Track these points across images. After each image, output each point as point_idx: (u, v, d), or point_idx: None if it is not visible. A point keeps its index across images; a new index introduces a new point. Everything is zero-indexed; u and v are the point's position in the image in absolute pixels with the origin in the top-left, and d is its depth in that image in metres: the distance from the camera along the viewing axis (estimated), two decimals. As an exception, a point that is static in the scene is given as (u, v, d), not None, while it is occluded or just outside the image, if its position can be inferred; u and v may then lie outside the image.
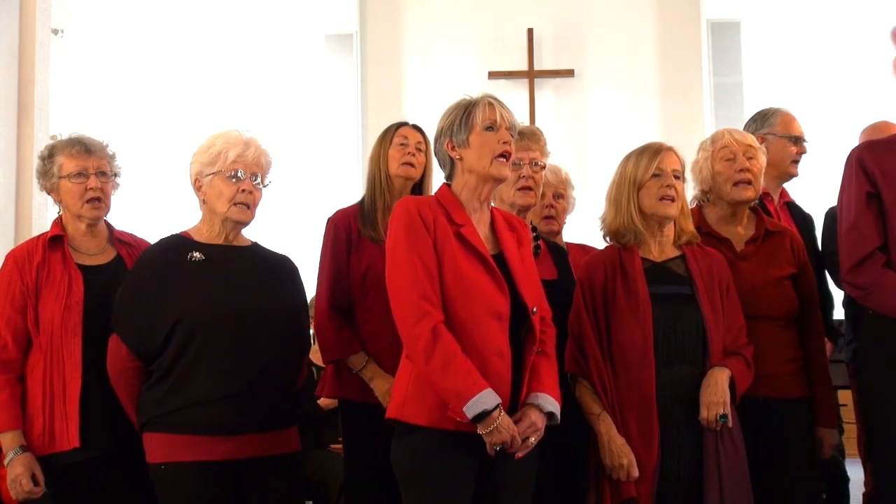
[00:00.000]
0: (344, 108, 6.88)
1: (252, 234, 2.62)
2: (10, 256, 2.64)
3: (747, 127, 3.42)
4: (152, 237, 2.65)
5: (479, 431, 2.09)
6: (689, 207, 2.70)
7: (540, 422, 2.18)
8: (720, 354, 2.48)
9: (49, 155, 2.70)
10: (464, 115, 2.30)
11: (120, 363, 2.41)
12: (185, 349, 2.35)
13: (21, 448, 2.51)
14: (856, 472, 3.48)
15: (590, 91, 6.86)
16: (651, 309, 2.47)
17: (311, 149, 6.76)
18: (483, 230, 2.31)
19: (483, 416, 2.07)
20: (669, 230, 2.61)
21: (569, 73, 6.82)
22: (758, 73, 6.76)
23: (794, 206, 3.41)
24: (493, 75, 6.71)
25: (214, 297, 2.39)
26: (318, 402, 3.99)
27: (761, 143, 2.97)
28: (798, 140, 3.34)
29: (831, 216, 3.08)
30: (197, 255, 2.44)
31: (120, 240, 2.77)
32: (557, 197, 3.04)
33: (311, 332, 2.99)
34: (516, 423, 2.14)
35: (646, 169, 2.55)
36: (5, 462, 2.53)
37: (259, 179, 2.51)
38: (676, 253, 2.61)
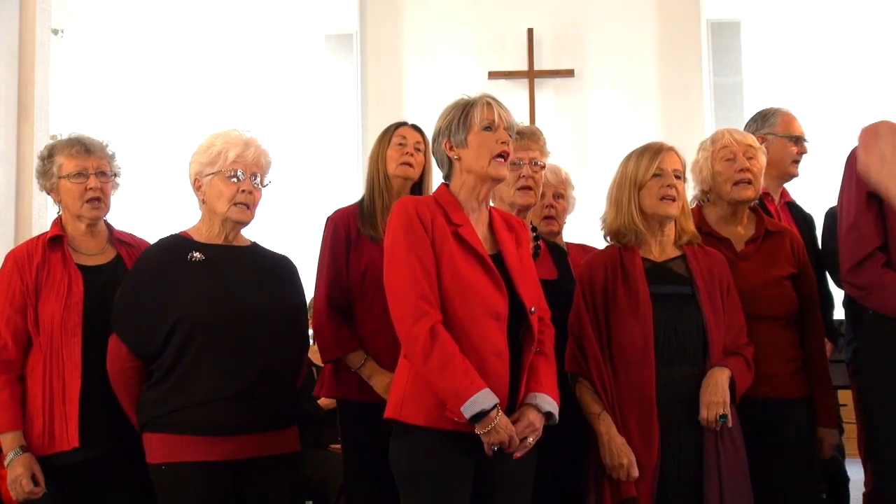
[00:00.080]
0: (344, 108, 6.88)
1: (252, 233, 2.62)
2: (10, 256, 2.64)
3: (748, 127, 3.42)
4: (152, 237, 2.65)
5: (477, 431, 2.09)
6: (690, 207, 2.70)
7: (538, 422, 2.18)
8: (720, 354, 2.48)
9: (49, 155, 2.70)
10: (462, 115, 2.30)
11: (120, 363, 2.41)
12: (186, 349, 2.35)
13: (21, 448, 2.51)
14: (856, 472, 3.48)
15: (590, 91, 6.86)
16: (651, 309, 2.47)
17: (311, 149, 6.76)
18: (481, 230, 2.31)
19: (481, 416, 2.07)
20: (670, 230, 2.61)
21: (569, 73, 6.82)
22: (758, 73, 6.76)
23: (794, 206, 3.41)
24: (493, 75, 6.71)
25: (214, 298, 2.38)
26: (318, 402, 3.99)
27: (762, 143, 2.97)
28: (798, 140, 3.34)
29: (831, 216, 3.08)
30: (197, 255, 2.44)
31: (120, 240, 2.77)
32: (557, 197, 3.04)
33: (310, 331, 2.99)
34: (514, 423, 2.14)
35: (646, 169, 2.55)
36: (5, 462, 2.53)
37: (259, 179, 2.51)
38: (677, 253, 2.61)
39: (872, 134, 1.39)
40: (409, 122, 3.05)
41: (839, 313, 3.41)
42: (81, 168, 2.66)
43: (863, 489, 3.43)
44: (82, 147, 2.68)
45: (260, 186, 2.52)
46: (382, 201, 2.90)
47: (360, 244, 2.88)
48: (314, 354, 3.16)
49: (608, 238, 2.66)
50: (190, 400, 2.33)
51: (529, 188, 2.74)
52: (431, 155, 2.62)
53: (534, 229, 2.82)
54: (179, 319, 2.34)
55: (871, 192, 2.51)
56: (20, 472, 2.48)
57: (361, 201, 2.98)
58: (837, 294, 3.27)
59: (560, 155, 3.19)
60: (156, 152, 6.02)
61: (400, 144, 2.95)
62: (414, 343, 2.13)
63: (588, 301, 2.54)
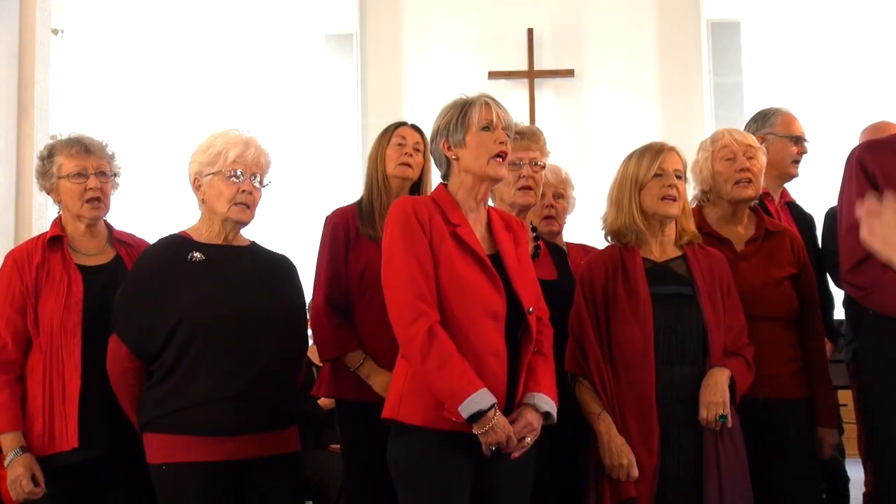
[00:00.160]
0: (344, 108, 6.88)
1: (252, 233, 2.62)
2: (10, 257, 2.64)
3: (748, 127, 3.42)
4: (152, 237, 2.65)
5: (475, 431, 2.09)
6: (690, 207, 2.70)
7: (536, 422, 2.18)
8: (721, 355, 2.48)
9: (48, 155, 2.70)
10: (460, 115, 2.29)
11: (120, 363, 2.41)
12: (186, 350, 2.34)
13: (21, 449, 2.51)
14: (856, 472, 3.48)
15: (590, 91, 6.86)
16: (652, 309, 2.47)
17: (311, 149, 6.76)
18: (479, 230, 2.31)
19: (478, 416, 2.07)
20: (671, 230, 2.61)
21: (569, 73, 6.82)
22: (758, 73, 6.76)
23: (794, 206, 3.41)
24: (493, 75, 6.71)
25: (214, 298, 2.38)
26: (318, 401, 3.99)
27: (762, 143, 2.97)
28: (799, 140, 3.34)
29: (831, 216, 3.08)
30: (197, 255, 2.44)
31: (119, 240, 2.77)
32: (557, 197, 3.04)
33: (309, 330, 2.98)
34: (512, 423, 2.14)
35: (647, 169, 2.55)
36: (5, 463, 2.53)
37: (259, 179, 2.50)
38: (678, 253, 2.61)
39: (873, 213, 1.39)
40: (409, 122, 3.06)
41: (839, 313, 3.41)
42: (81, 168, 2.66)
43: (863, 489, 3.43)
44: (82, 147, 2.68)
45: (260, 186, 2.51)
46: (381, 201, 2.90)
47: (358, 243, 2.88)
48: (313, 354, 3.16)
49: (609, 238, 2.66)
50: (190, 400, 2.33)
51: (530, 188, 2.74)
52: (430, 155, 2.61)
53: (534, 229, 2.82)
54: (180, 320, 2.34)
55: (871, 192, 2.52)
56: (20, 473, 2.48)
57: (360, 201, 2.98)
58: (837, 294, 3.27)
59: (560, 155, 3.19)
60: (156, 152, 6.01)
61: (399, 145, 2.95)
62: (411, 343, 2.13)
63: (588, 301, 2.54)
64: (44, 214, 4.95)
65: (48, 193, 2.74)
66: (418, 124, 3.02)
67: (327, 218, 2.97)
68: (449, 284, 2.18)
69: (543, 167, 2.80)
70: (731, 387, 2.44)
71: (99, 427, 2.52)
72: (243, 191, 2.45)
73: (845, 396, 3.47)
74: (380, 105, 6.73)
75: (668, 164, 2.55)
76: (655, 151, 2.58)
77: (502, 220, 2.38)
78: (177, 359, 2.35)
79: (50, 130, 5.14)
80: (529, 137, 2.74)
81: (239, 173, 2.45)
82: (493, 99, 2.33)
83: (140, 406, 2.41)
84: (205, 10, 6.69)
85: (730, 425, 2.43)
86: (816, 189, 3.97)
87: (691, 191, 2.81)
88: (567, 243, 3.10)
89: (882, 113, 3.93)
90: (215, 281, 2.41)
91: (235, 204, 2.45)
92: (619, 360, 2.48)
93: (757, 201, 2.88)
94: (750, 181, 2.76)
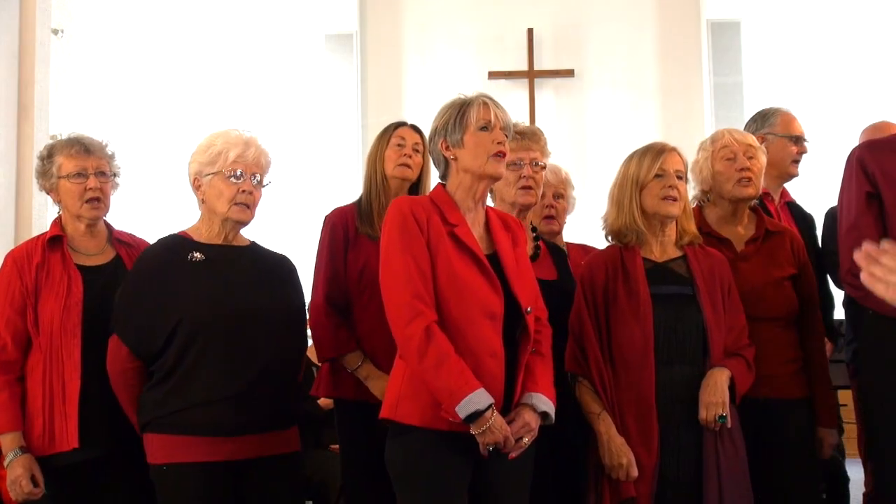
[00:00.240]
0: (344, 108, 6.88)
1: (252, 233, 2.62)
2: (10, 257, 2.64)
3: (748, 127, 3.42)
4: (152, 237, 2.65)
5: (472, 432, 2.08)
6: (691, 208, 2.70)
7: (534, 422, 2.18)
8: (721, 355, 2.48)
9: (48, 155, 2.70)
10: (458, 115, 2.29)
11: (120, 363, 2.41)
12: (187, 350, 2.34)
13: (21, 449, 2.51)
14: (856, 472, 3.48)
15: (590, 91, 6.86)
16: (652, 309, 2.47)
17: (311, 149, 6.76)
18: (477, 230, 2.31)
19: (475, 416, 2.06)
20: (671, 230, 2.61)
21: (569, 73, 6.82)
22: (758, 73, 6.76)
23: (794, 205, 3.41)
24: (493, 75, 6.71)
25: (215, 298, 2.38)
26: (318, 401, 3.99)
27: (762, 143, 2.97)
28: (798, 140, 3.34)
29: (831, 216, 3.08)
30: (197, 255, 2.44)
31: (119, 240, 2.77)
32: (557, 197, 3.04)
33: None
34: (510, 423, 2.13)
35: (648, 169, 2.55)
36: (5, 463, 2.52)
37: (259, 179, 2.50)
38: (678, 253, 2.61)
39: (873, 258, 1.40)
40: (409, 123, 3.05)
41: (839, 313, 3.41)
42: (81, 168, 2.65)
43: (863, 489, 3.43)
44: (82, 147, 2.68)
45: (260, 186, 2.51)
46: (380, 201, 2.90)
47: (357, 243, 2.88)
48: (311, 353, 3.16)
49: (609, 238, 2.66)
50: (190, 400, 2.33)
51: (530, 188, 2.74)
52: (429, 155, 2.61)
53: (534, 229, 2.82)
54: (180, 320, 2.34)
55: (872, 192, 2.52)
56: (20, 473, 2.48)
57: (359, 200, 2.99)
58: (837, 294, 3.27)
59: (560, 155, 3.19)
60: (156, 152, 6.01)
61: (399, 145, 2.95)
62: (409, 343, 2.13)
63: (589, 301, 2.54)
64: (44, 214, 4.95)
65: (48, 193, 2.74)
66: (418, 124, 3.02)
67: (326, 217, 2.97)
68: (446, 284, 2.18)
69: (544, 167, 2.80)
70: (732, 387, 2.44)
71: (99, 427, 2.52)
72: (243, 191, 2.45)
73: (845, 396, 3.47)
74: (380, 105, 6.73)
75: (669, 164, 2.55)
76: (657, 152, 2.58)
77: (500, 220, 2.38)
78: (177, 359, 2.35)
79: (50, 130, 5.13)
80: (530, 137, 2.74)
81: (239, 173, 2.45)
82: (491, 99, 2.33)
83: (140, 406, 2.41)
84: (205, 10, 6.69)
85: (729, 425, 2.43)
86: (816, 189, 3.97)
87: (691, 191, 2.81)
88: (567, 243, 3.10)
89: (882, 113, 3.93)
90: (215, 281, 2.41)
91: (235, 204, 2.45)
92: (619, 360, 2.48)
93: (757, 201, 2.88)
94: (750, 180, 2.77)
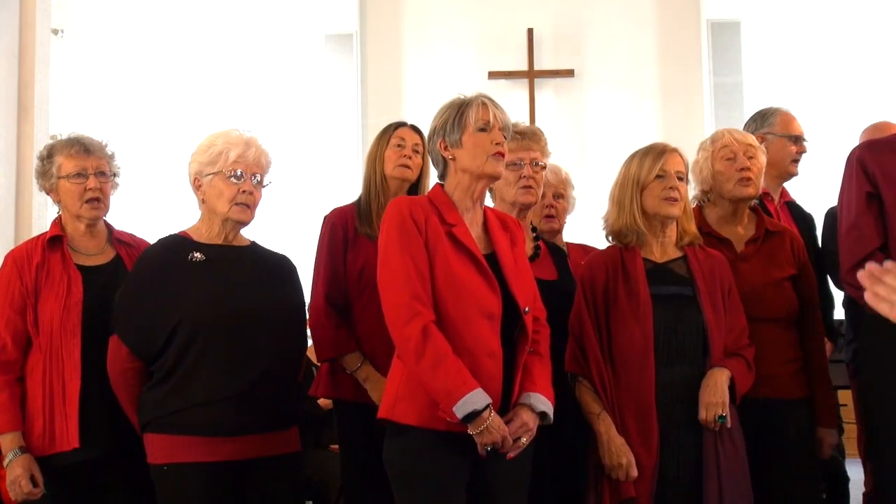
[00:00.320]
0: (344, 108, 6.87)
1: (252, 233, 2.62)
2: (10, 257, 2.64)
3: (747, 126, 3.42)
4: (152, 237, 2.65)
5: (470, 432, 2.08)
6: (691, 208, 2.70)
7: (532, 422, 2.18)
8: (721, 355, 2.48)
9: (48, 155, 2.70)
10: (457, 115, 2.29)
11: (120, 364, 2.41)
12: (187, 350, 2.34)
13: (20, 449, 2.51)
14: (856, 472, 3.49)
15: (590, 91, 6.85)
16: (652, 309, 2.47)
17: (311, 149, 6.75)
18: (475, 230, 2.31)
19: (473, 416, 2.06)
20: (672, 231, 2.61)
21: (569, 73, 6.81)
22: (758, 73, 6.75)
23: (794, 205, 3.41)
24: (493, 75, 6.71)
25: (215, 298, 2.38)
26: (318, 402, 3.99)
27: (761, 143, 2.97)
28: (798, 139, 3.34)
29: (831, 216, 3.08)
30: (197, 255, 2.44)
31: (119, 240, 2.77)
32: (557, 197, 3.04)
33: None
34: (507, 423, 2.13)
35: (649, 170, 2.55)
36: (4, 463, 2.53)
37: (259, 179, 2.50)
38: (678, 254, 2.61)
39: (876, 277, 1.40)
40: (408, 123, 3.05)
41: (839, 313, 3.41)
42: (81, 168, 2.65)
43: (863, 489, 3.43)
44: (81, 147, 2.67)
45: (260, 186, 2.51)
46: (379, 202, 2.90)
47: (357, 243, 2.88)
48: (311, 353, 3.16)
49: (610, 238, 2.66)
50: (191, 400, 2.33)
51: (530, 188, 2.74)
52: (428, 155, 2.61)
53: (534, 229, 2.82)
54: (180, 320, 2.34)
55: (872, 192, 2.52)
56: (19, 473, 2.48)
57: (359, 201, 2.99)
58: (837, 294, 3.27)
59: (560, 155, 3.19)
60: (156, 152, 6.01)
61: (398, 146, 2.95)
62: (406, 343, 2.13)
63: (589, 301, 2.54)
64: (44, 214, 4.96)
65: (48, 193, 2.74)
66: (418, 124, 3.02)
67: (325, 217, 2.97)
68: (444, 284, 2.18)
69: (544, 167, 2.80)
70: (732, 387, 2.44)
71: (99, 427, 2.52)
72: (244, 191, 2.45)
73: (845, 396, 3.47)
74: (380, 105, 6.73)
75: (670, 165, 2.55)
76: (658, 152, 2.58)
77: (499, 220, 2.38)
78: (177, 359, 2.35)
79: (50, 130, 5.14)
80: (530, 137, 2.74)
81: (239, 173, 2.45)
82: (490, 99, 2.33)
83: (141, 406, 2.41)
84: (205, 10, 6.69)
85: (729, 426, 2.43)
86: (816, 189, 3.97)
87: (691, 191, 2.81)
88: (567, 243, 3.10)
89: (882, 113, 3.93)
90: (216, 281, 2.41)
91: (236, 204, 2.45)
92: (619, 360, 2.48)
93: (757, 201, 2.88)
94: (750, 180, 2.76)
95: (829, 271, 3.21)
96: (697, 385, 2.44)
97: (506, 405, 2.19)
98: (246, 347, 2.37)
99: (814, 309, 2.77)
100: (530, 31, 6.81)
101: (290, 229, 5.59)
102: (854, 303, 2.81)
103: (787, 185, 3.43)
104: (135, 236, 2.83)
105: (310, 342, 2.94)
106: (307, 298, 2.81)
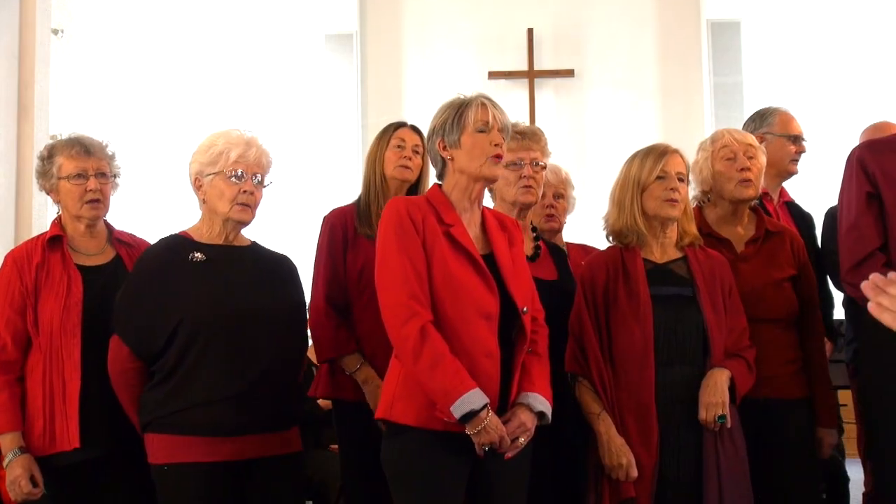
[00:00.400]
0: (344, 108, 6.87)
1: (252, 233, 2.62)
2: (10, 257, 2.64)
3: (746, 126, 3.42)
4: (152, 237, 2.65)
5: (467, 431, 2.08)
6: (691, 209, 2.70)
7: (530, 422, 2.18)
8: (721, 356, 2.48)
9: (49, 155, 2.69)
10: (456, 116, 2.29)
11: (121, 364, 2.41)
12: (188, 350, 2.34)
13: (20, 449, 2.50)
14: (856, 472, 3.49)
15: (590, 91, 6.85)
16: (652, 310, 2.47)
17: (311, 149, 6.75)
18: (473, 230, 2.31)
19: (470, 416, 2.06)
20: (672, 232, 2.61)
21: (569, 73, 6.81)
22: (758, 73, 6.75)
23: (793, 205, 3.41)
24: (493, 75, 6.71)
25: (216, 298, 2.38)
26: (318, 402, 3.98)
27: (760, 143, 2.97)
28: (797, 139, 3.34)
29: (831, 216, 3.08)
30: (198, 255, 2.44)
31: (119, 240, 2.77)
32: (557, 197, 3.04)
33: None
34: (505, 423, 2.13)
35: (650, 171, 2.55)
36: (4, 464, 2.52)
37: (260, 179, 2.50)
38: (678, 254, 2.61)
39: (879, 288, 1.40)
40: (409, 123, 3.05)
41: (839, 313, 3.41)
42: (81, 169, 2.65)
43: (863, 489, 3.43)
44: (82, 148, 2.67)
45: (261, 186, 2.51)
46: (379, 202, 2.90)
47: (356, 243, 2.88)
48: (311, 354, 3.16)
49: (610, 238, 2.66)
50: (191, 400, 2.33)
51: (531, 188, 2.74)
52: (427, 155, 2.61)
53: (534, 229, 2.82)
54: (181, 320, 2.34)
55: (872, 192, 2.52)
56: (19, 473, 2.48)
57: (358, 201, 2.99)
58: (837, 294, 3.27)
59: (560, 155, 3.19)
60: (156, 152, 6.01)
61: (398, 147, 2.96)
62: (404, 343, 2.13)
63: (589, 301, 2.54)
64: (44, 214, 4.96)
65: (48, 194, 2.74)
66: (418, 125, 3.02)
67: (325, 218, 2.98)
68: (442, 285, 2.18)
69: (544, 167, 2.80)
70: (732, 387, 2.44)
71: (99, 427, 2.52)
72: (244, 191, 2.45)
73: (845, 396, 3.47)
74: (380, 105, 6.73)
75: (671, 166, 2.55)
76: (659, 153, 2.58)
77: (497, 220, 2.38)
78: (178, 359, 2.35)
79: (50, 130, 5.14)
80: (531, 137, 2.74)
81: (240, 173, 2.45)
82: (489, 100, 2.32)
83: (141, 406, 2.40)
84: (205, 10, 6.69)
85: (729, 426, 2.43)
86: (816, 189, 3.97)
87: (691, 191, 2.81)
88: (567, 243, 3.10)
89: (882, 113, 3.93)
90: (216, 281, 2.41)
91: (237, 204, 2.45)
92: (619, 360, 2.48)
93: (757, 201, 2.88)
94: (750, 181, 2.76)
95: (829, 271, 3.21)
96: (697, 385, 2.44)
97: (504, 405, 2.19)
98: (246, 347, 2.37)
99: (814, 309, 2.77)
100: (530, 31, 6.81)
101: (290, 229, 5.59)
102: (854, 303, 2.81)
103: (787, 184, 3.43)
104: (135, 236, 2.83)
105: (310, 342, 2.94)
106: (308, 298, 2.81)
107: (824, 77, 6.56)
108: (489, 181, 2.33)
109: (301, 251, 3.16)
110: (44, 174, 2.70)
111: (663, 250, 2.60)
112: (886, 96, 6.19)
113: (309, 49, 6.92)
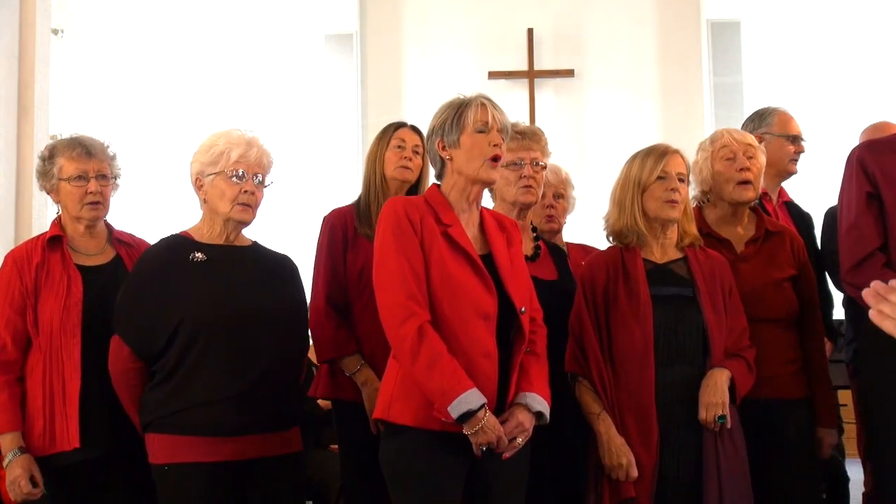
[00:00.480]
0: (344, 108, 6.87)
1: (252, 233, 2.62)
2: (10, 257, 2.64)
3: (745, 126, 3.42)
4: (152, 237, 2.65)
5: (465, 431, 2.08)
6: (692, 209, 2.70)
7: (527, 422, 2.18)
8: (721, 356, 2.48)
9: (49, 156, 2.69)
10: (455, 116, 2.29)
11: (121, 364, 2.41)
12: (188, 350, 2.34)
13: (20, 449, 2.50)
14: (856, 472, 3.49)
15: (590, 91, 6.85)
16: (652, 310, 2.47)
17: (311, 149, 6.76)
18: (472, 231, 2.31)
19: (468, 415, 2.06)
20: (672, 232, 2.61)
21: (569, 73, 6.81)
22: (758, 73, 6.75)
23: (792, 205, 3.41)
24: (493, 75, 6.71)
25: (217, 298, 2.38)
26: (318, 402, 3.98)
27: (759, 143, 2.97)
28: (796, 139, 3.34)
29: (831, 216, 3.08)
30: (199, 255, 2.44)
31: (119, 240, 2.77)
32: (557, 197, 3.04)
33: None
34: (503, 423, 2.13)
35: (651, 171, 2.55)
36: (4, 464, 2.52)
37: (261, 179, 2.50)
38: (679, 255, 2.61)
39: (881, 295, 1.40)
40: (409, 123, 3.05)
41: (839, 313, 3.41)
42: (82, 171, 2.65)
43: (863, 489, 3.43)
44: (83, 149, 2.67)
45: (262, 186, 2.51)
46: (378, 202, 2.89)
47: (356, 243, 2.88)
48: (311, 354, 3.16)
49: (610, 238, 2.66)
50: (192, 400, 2.33)
51: (531, 187, 2.74)
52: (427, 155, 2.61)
53: (534, 229, 2.82)
54: (182, 320, 2.34)
55: (872, 192, 2.52)
56: (19, 474, 2.48)
57: (358, 201, 2.99)
58: (837, 294, 3.27)
59: (560, 155, 3.19)
60: (156, 152, 6.02)
61: (398, 147, 2.96)
62: (402, 343, 2.13)
63: (589, 301, 2.54)
64: (44, 214, 4.96)
65: (48, 194, 2.74)
66: (418, 125, 3.01)
67: (325, 218, 2.98)
68: (440, 285, 2.18)
69: (545, 167, 2.80)
70: (732, 388, 2.44)
71: (99, 427, 2.52)
72: (245, 191, 2.45)
73: (845, 396, 3.47)
74: (380, 105, 6.73)
75: (672, 167, 2.55)
76: (659, 154, 2.57)
77: (495, 221, 2.38)
78: (179, 359, 2.35)
79: (50, 130, 5.14)
80: (531, 137, 2.74)
81: (241, 173, 2.45)
82: (489, 100, 2.32)
83: (142, 406, 2.41)
84: (205, 10, 6.69)
85: (729, 426, 2.43)
86: (815, 189, 3.97)
87: (691, 191, 2.81)
88: (567, 243, 3.10)
89: (882, 113, 3.93)
90: (217, 281, 2.41)
91: (238, 204, 2.45)
92: (619, 360, 2.48)
93: (756, 201, 2.88)
94: (749, 183, 2.76)
95: (829, 271, 3.22)
96: (697, 385, 2.44)
97: (502, 405, 2.19)
98: (247, 347, 2.37)
99: (814, 309, 2.77)
100: (530, 31, 6.81)
101: (290, 229, 5.60)
102: (854, 303, 2.81)
103: (786, 184, 3.43)
104: (135, 236, 2.83)
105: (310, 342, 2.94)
106: (308, 298, 2.81)
107: (824, 77, 6.56)
108: (486, 184, 2.33)
109: (301, 251, 3.16)
110: (44, 174, 2.70)
111: (663, 250, 2.60)
112: (886, 96, 6.19)
113: (309, 49, 6.92)
